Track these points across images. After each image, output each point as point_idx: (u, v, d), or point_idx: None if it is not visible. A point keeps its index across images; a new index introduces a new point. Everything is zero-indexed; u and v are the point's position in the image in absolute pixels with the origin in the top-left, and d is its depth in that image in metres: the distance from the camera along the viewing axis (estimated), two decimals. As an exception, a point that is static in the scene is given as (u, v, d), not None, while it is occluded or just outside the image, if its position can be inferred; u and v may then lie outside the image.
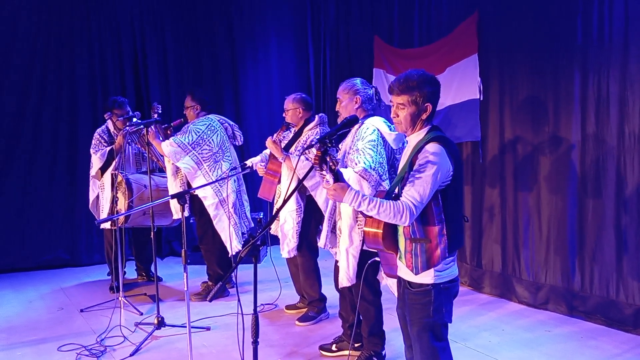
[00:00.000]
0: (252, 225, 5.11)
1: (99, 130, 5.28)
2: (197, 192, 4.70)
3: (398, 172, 2.50)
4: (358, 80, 3.48)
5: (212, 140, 4.73)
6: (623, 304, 4.00)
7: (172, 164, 4.76)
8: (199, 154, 4.67)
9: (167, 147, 4.60)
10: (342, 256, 3.31)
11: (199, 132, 4.70)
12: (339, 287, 3.44)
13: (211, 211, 4.76)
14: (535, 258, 4.59)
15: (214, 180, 4.62)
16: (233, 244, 4.78)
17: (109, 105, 5.23)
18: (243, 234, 4.95)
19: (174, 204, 4.83)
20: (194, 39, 7.08)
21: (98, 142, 5.20)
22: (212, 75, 7.19)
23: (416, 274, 2.38)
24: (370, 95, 3.43)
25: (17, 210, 6.25)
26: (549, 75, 4.39)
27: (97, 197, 5.33)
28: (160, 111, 4.62)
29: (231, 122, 5.01)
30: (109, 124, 5.25)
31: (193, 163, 4.66)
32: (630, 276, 3.96)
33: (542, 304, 4.53)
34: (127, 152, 5.08)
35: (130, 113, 5.15)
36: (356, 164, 3.12)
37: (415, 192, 2.28)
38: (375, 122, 3.27)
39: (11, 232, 6.22)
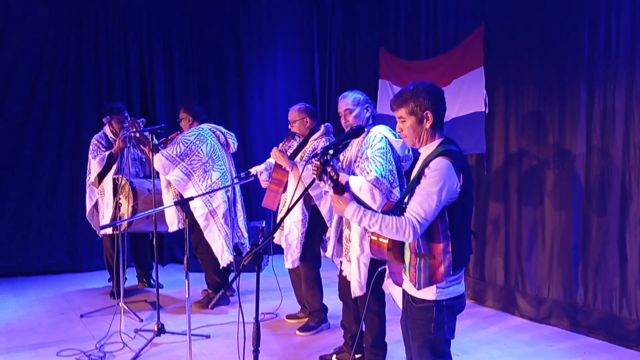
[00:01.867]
0: (245, 235, 5.06)
1: (96, 136, 5.25)
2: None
3: (408, 183, 2.48)
4: (360, 94, 3.55)
5: (202, 150, 4.70)
6: (626, 320, 3.97)
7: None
8: (188, 165, 4.64)
9: (157, 161, 4.57)
10: (354, 265, 3.29)
11: (187, 143, 4.68)
12: (352, 297, 3.41)
13: (201, 222, 4.71)
14: (538, 272, 4.56)
15: (210, 190, 4.58)
16: (224, 256, 4.74)
17: (107, 111, 5.22)
18: (237, 244, 4.92)
19: (169, 216, 4.82)
20: (201, 46, 7.11)
21: (96, 147, 5.17)
22: (217, 84, 7.21)
23: (418, 289, 2.34)
24: (372, 106, 3.54)
25: (20, 215, 6.25)
26: (555, 89, 4.39)
27: (95, 205, 5.31)
28: (170, 138, 4.65)
29: (224, 130, 4.97)
30: (106, 129, 5.24)
31: (183, 175, 4.63)
32: (634, 292, 3.93)
33: (544, 319, 4.50)
34: (126, 157, 5.05)
35: (129, 118, 5.14)
36: (368, 173, 3.13)
37: (420, 208, 2.23)
38: (382, 130, 3.30)
39: (13, 237, 6.23)
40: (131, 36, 6.71)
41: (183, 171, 4.63)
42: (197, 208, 4.68)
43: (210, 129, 4.85)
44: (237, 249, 4.98)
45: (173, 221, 4.83)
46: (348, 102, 3.50)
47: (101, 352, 3.93)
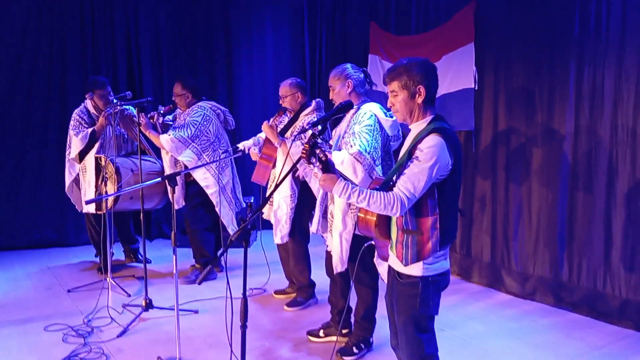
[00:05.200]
0: (243, 205, 5.15)
1: (77, 110, 5.13)
2: (200, 182, 4.82)
3: (397, 160, 2.47)
4: (348, 65, 3.45)
5: (209, 130, 4.82)
6: (609, 296, 4.03)
7: (170, 155, 4.83)
8: (198, 145, 4.77)
9: (167, 143, 4.67)
10: (336, 241, 3.31)
11: (196, 124, 4.77)
12: (334, 272, 3.44)
13: (214, 198, 4.82)
14: (524, 249, 4.61)
15: (204, 163, 4.66)
16: (233, 226, 4.91)
17: (89, 86, 5.11)
18: (236, 214, 5.02)
19: (175, 195, 4.84)
20: (189, 21, 7.00)
21: (78, 123, 5.06)
22: (205, 59, 7.12)
23: (405, 265, 2.35)
24: (361, 79, 3.40)
25: (7, 190, 6.20)
26: (545, 67, 4.38)
27: (74, 180, 5.26)
28: (162, 112, 4.71)
29: (223, 108, 5.05)
30: (88, 104, 5.12)
31: (194, 155, 4.76)
32: (617, 269, 3.99)
33: (529, 295, 4.56)
34: (108, 134, 5.00)
35: (111, 93, 5.07)
36: (351, 146, 3.11)
37: (409, 184, 2.22)
38: (373, 108, 3.26)
39: (0, 212, 6.17)
40: (117, 11, 6.57)
41: (194, 151, 4.76)
42: (210, 186, 4.82)
43: (211, 107, 4.93)
44: (242, 219, 5.04)
45: (178, 198, 4.96)
46: (331, 78, 3.45)
47: (89, 327, 3.93)
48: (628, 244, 3.93)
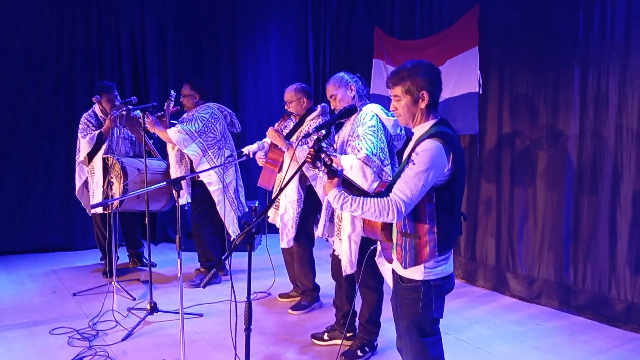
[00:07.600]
0: (246, 210, 5.18)
1: (85, 114, 5.23)
2: (203, 178, 4.85)
3: (400, 163, 2.47)
4: (342, 73, 3.54)
5: (216, 128, 4.86)
6: (615, 300, 4.02)
7: (177, 151, 4.84)
8: (204, 141, 4.80)
9: (174, 135, 4.70)
10: (345, 243, 3.33)
11: (204, 120, 4.81)
12: (343, 274, 3.44)
13: (215, 197, 4.86)
14: (529, 252, 4.60)
15: (213, 166, 4.72)
16: (234, 228, 4.92)
17: (97, 90, 5.20)
18: (238, 218, 5.04)
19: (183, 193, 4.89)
20: (195, 25, 7.03)
21: (86, 126, 5.15)
22: (211, 64, 7.15)
23: (405, 267, 2.35)
24: (360, 83, 3.50)
25: (15, 194, 6.23)
26: (549, 71, 4.38)
27: (84, 183, 5.31)
28: (173, 98, 4.74)
29: (229, 110, 5.10)
30: (96, 107, 5.21)
31: (199, 150, 4.79)
32: (622, 272, 3.98)
33: (534, 298, 4.55)
34: (115, 136, 5.06)
35: (118, 97, 5.16)
36: (359, 151, 3.14)
37: (406, 188, 2.19)
38: (373, 108, 3.32)
39: (8, 216, 6.21)
40: (123, 17, 6.61)
41: (199, 146, 4.79)
42: (213, 183, 4.85)
43: (218, 109, 4.98)
44: (246, 223, 5.06)
45: (183, 193, 4.99)
46: (330, 88, 3.52)
47: (94, 330, 3.94)
48: (633, 247, 3.92)
